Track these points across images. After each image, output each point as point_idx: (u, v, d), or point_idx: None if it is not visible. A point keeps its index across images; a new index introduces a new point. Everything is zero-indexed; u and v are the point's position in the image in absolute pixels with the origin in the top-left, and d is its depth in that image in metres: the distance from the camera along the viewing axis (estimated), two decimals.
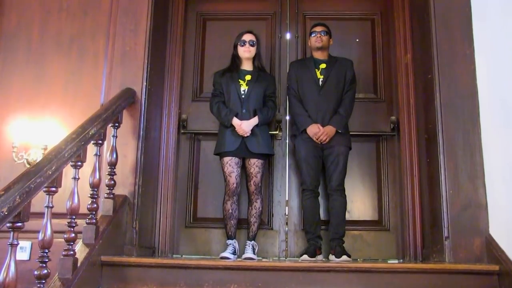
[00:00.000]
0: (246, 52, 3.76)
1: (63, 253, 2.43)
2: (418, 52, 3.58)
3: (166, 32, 3.83)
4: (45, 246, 2.20)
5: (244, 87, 3.71)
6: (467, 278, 2.62)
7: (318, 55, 3.81)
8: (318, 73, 3.73)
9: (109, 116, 2.87)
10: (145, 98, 3.31)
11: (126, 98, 3.16)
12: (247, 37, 3.79)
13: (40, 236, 2.19)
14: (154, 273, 2.75)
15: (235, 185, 3.61)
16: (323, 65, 3.74)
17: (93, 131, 2.66)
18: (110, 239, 2.86)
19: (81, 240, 2.68)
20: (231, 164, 3.59)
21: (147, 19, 3.43)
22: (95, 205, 2.75)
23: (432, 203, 3.18)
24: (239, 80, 3.74)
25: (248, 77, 3.75)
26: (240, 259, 3.41)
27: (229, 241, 3.59)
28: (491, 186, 2.88)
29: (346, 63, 3.80)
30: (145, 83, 3.32)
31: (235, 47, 3.82)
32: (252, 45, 3.78)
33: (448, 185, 2.93)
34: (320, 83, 3.69)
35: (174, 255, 3.67)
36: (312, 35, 3.79)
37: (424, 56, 3.37)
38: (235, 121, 3.59)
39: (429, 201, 3.25)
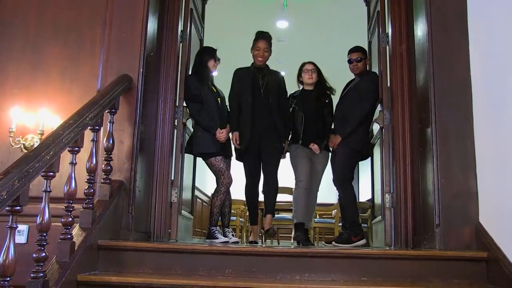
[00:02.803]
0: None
1: (61, 236, 2.45)
2: (413, 43, 3.58)
3: (163, 18, 3.80)
4: (43, 229, 2.22)
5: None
6: (456, 264, 2.66)
7: None
8: None
9: (106, 102, 2.88)
10: (141, 85, 3.31)
11: (123, 85, 3.16)
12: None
13: (38, 220, 2.21)
14: (150, 257, 2.78)
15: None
16: None
17: (90, 116, 2.66)
18: (107, 223, 2.88)
19: (78, 224, 2.69)
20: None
21: (143, 6, 3.41)
22: (92, 190, 2.76)
23: (424, 191, 3.21)
24: None
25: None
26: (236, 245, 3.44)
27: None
28: (482, 176, 2.90)
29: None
30: (141, 70, 3.32)
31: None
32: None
33: (440, 174, 2.95)
34: None
35: (170, 240, 3.68)
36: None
37: (419, 47, 3.38)
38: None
39: (421, 190, 3.28)
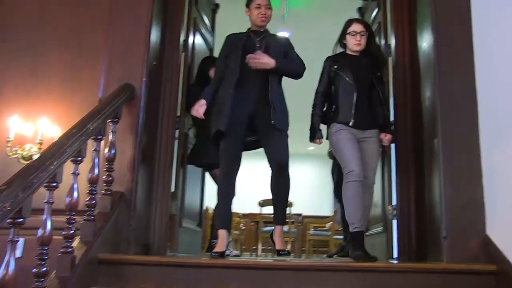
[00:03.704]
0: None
1: (61, 250, 2.36)
2: (416, 54, 3.54)
3: (166, 27, 3.73)
4: (45, 242, 2.13)
5: None
6: (465, 278, 2.60)
7: None
8: None
9: (109, 111, 2.82)
10: (144, 94, 3.24)
11: (126, 94, 3.09)
12: None
13: (40, 232, 2.12)
14: (153, 272, 2.69)
15: None
16: None
17: (95, 126, 2.59)
18: (107, 236, 2.78)
19: (79, 237, 2.60)
20: None
21: (147, 14, 3.35)
22: (94, 202, 2.68)
23: (430, 203, 3.15)
24: None
25: None
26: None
27: None
28: (489, 187, 2.86)
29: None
30: (144, 79, 3.25)
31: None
32: None
33: (447, 186, 2.89)
34: None
35: (169, 254, 3.59)
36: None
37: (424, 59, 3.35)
38: None
39: (427, 202, 3.23)
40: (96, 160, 2.72)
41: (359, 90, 3.30)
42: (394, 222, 3.69)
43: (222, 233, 3.25)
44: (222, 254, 3.13)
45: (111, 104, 2.85)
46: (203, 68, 4.22)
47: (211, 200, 4.76)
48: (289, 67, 3.44)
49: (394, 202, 3.72)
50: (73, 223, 2.41)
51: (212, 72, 4.14)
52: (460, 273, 2.61)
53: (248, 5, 3.47)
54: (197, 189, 4.41)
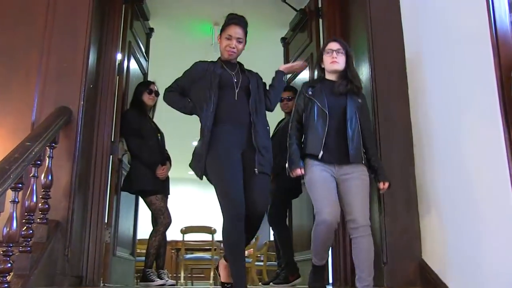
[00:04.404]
0: None
1: None
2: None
3: (101, 49, 3.60)
4: None
5: None
6: None
7: None
8: None
9: (49, 135, 2.64)
10: (81, 118, 3.08)
11: (64, 117, 2.93)
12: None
13: None
14: None
15: None
16: None
17: (36, 150, 2.41)
18: (43, 268, 2.58)
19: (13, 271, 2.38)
20: None
21: (85, 35, 3.21)
22: (31, 232, 2.48)
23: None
24: None
25: None
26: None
27: None
28: (424, 214, 3.03)
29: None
30: (82, 102, 3.10)
31: None
32: None
33: (386, 214, 3.03)
34: None
35: (102, 285, 3.40)
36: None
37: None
38: None
39: None
40: (35, 187, 2.52)
41: (332, 118, 2.82)
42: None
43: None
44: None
45: (51, 128, 2.69)
46: (137, 93, 4.10)
47: (144, 228, 4.59)
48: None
49: None
50: (11, 255, 2.20)
51: (145, 97, 4.05)
52: None
53: (220, 32, 3.10)
54: (130, 216, 4.23)
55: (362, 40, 3.46)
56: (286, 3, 4.71)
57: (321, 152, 2.76)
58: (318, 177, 2.76)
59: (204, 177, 2.86)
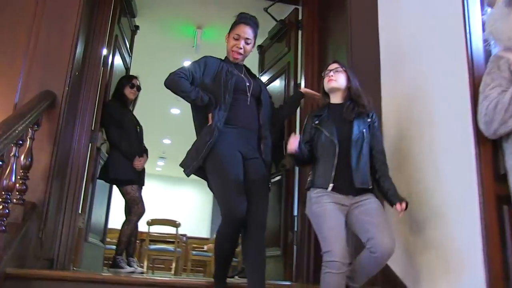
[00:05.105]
0: None
1: None
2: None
3: (89, 40, 3.41)
4: None
5: None
6: None
7: None
8: None
9: (32, 116, 2.46)
10: (65, 103, 2.89)
11: (48, 101, 2.75)
12: None
13: None
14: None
15: None
16: None
17: (19, 130, 2.22)
18: (17, 249, 2.39)
19: None
20: None
21: (76, 20, 3.03)
22: (7, 211, 2.27)
23: None
24: None
25: None
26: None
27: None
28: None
29: None
30: (67, 88, 2.91)
31: None
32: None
33: None
34: None
35: (73, 268, 3.19)
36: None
37: None
38: None
39: None
40: (15, 166, 2.32)
41: (343, 147, 2.43)
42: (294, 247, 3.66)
43: None
44: None
45: (34, 110, 2.50)
46: (119, 86, 3.94)
47: (116, 216, 4.40)
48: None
49: (295, 228, 3.70)
50: None
51: (127, 91, 3.91)
52: None
53: (229, 31, 2.79)
54: (103, 205, 4.02)
55: (341, 53, 3.41)
56: (268, 13, 4.62)
57: (331, 185, 2.36)
58: (327, 211, 2.33)
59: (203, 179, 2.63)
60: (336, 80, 2.57)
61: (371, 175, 2.47)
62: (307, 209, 2.45)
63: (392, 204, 2.43)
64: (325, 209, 2.32)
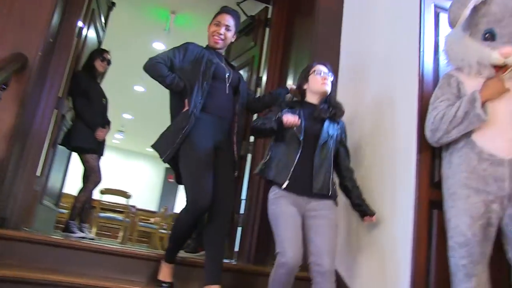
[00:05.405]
0: None
1: None
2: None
3: (65, 9, 3.35)
4: None
5: None
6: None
7: None
8: None
9: (2, 76, 2.44)
10: (36, 67, 2.87)
11: (19, 63, 2.72)
12: None
13: None
14: (18, 247, 2.46)
15: None
16: None
17: None
18: None
19: None
20: None
21: None
22: None
23: None
24: None
25: None
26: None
27: None
28: None
29: None
30: (39, 53, 2.88)
31: None
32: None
33: None
34: None
35: (24, 229, 3.17)
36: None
37: None
38: None
39: None
40: None
41: (307, 146, 2.40)
42: (239, 229, 3.78)
43: (170, 267, 2.63)
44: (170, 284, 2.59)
45: (5, 69, 2.48)
46: (91, 58, 3.93)
47: (71, 182, 4.39)
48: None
49: (242, 211, 3.81)
50: None
51: (98, 64, 3.90)
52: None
53: (211, 21, 2.84)
54: (61, 170, 4.00)
55: (304, 56, 3.53)
56: (240, 7, 4.68)
57: (287, 182, 2.33)
58: (283, 213, 2.30)
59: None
60: (329, 86, 2.57)
61: (339, 185, 2.55)
62: (268, 209, 2.41)
63: (363, 216, 2.55)
64: (282, 211, 2.30)
